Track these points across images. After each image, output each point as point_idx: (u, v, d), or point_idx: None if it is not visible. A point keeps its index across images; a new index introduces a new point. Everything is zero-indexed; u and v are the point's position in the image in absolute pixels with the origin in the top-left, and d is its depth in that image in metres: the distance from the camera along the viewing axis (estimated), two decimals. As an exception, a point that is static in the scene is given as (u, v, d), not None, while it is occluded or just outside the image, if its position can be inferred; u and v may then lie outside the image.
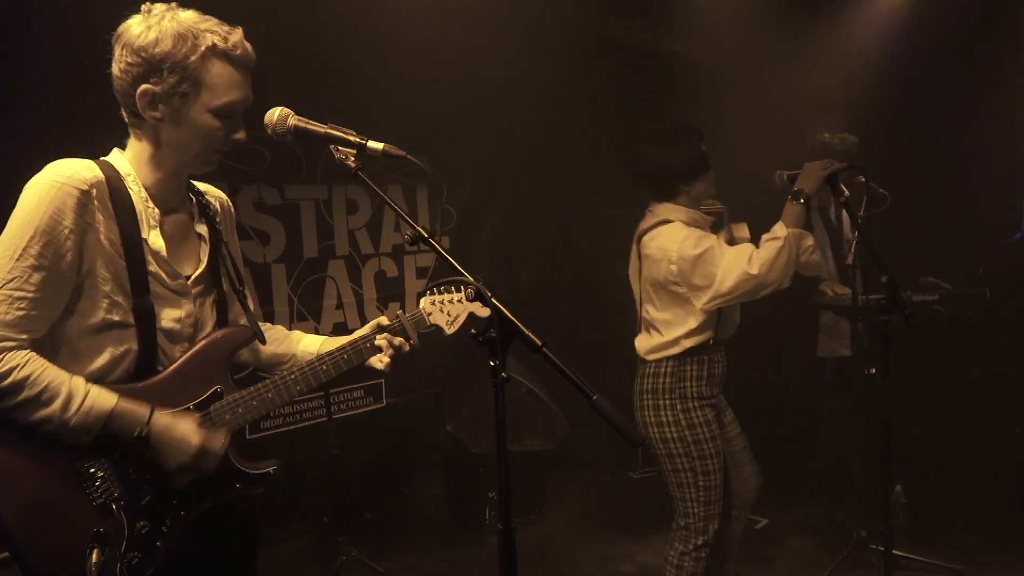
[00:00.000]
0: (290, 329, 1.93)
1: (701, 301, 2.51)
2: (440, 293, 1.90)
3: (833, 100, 4.91)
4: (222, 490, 1.61)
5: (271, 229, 3.99)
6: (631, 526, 4.01)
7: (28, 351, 1.42)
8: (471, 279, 1.34)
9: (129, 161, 1.56)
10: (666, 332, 2.66)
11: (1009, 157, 4.33)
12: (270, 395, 1.65)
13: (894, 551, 3.55)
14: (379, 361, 1.83)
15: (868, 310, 2.43)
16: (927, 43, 4.64)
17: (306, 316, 4.09)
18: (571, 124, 4.98)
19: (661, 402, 2.65)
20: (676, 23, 4.76)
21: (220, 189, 4.01)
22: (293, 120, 1.51)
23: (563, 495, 4.57)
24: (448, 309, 1.89)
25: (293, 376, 1.68)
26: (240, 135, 1.58)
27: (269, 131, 1.52)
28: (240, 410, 1.61)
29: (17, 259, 1.39)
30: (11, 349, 1.40)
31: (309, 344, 1.84)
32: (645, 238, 2.65)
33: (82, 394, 1.43)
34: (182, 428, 1.51)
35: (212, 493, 1.60)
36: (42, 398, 1.40)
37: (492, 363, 1.29)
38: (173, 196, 1.62)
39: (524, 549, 4.32)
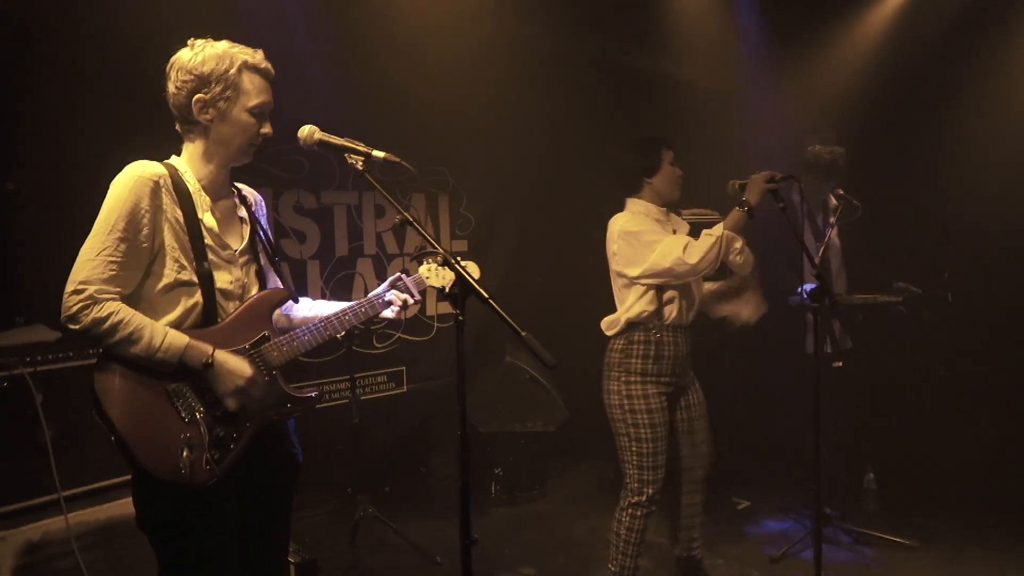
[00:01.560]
0: None
1: (634, 272, 2.97)
2: (434, 262, 2.37)
3: (827, 118, 5.32)
4: (277, 408, 2.08)
5: (307, 229, 4.54)
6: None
7: (120, 302, 1.89)
8: (440, 249, 1.80)
9: (185, 161, 2.06)
10: (617, 310, 3.13)
11: (987, 166, 4.63)
12: (306, 337, 2.12)
13: (859, 528, 3.95)
14: (390, 311, 2.28)
15: (805, 303, 2.81)
16: (911, 59, 4.99)
17: (336, 307, 4.62)
18: (582, 142, 5.45)
19: (611, 374, 3.11)
20: (676, 50, 5.21)
21: (266, 194, 4.57)
22: (318, 135, 2.01)
23: (566, 477, 5.00)
24: (441, 273, 2.35)
25: (322, 323, 2.16)
26: (267, 130, 2.06)
27: (301, 143, 2.01)
28: (285, 348, 2.09)
29: (109, 233, 1.86)
30: (109, 299, 1.87)
31: (323, 307, 2.31)
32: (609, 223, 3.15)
33: (161, 334, 1.88)
34: (237, 361, 1.97)
35: (271, 409, 2.07)
36: (132, 336, 1.84)
37: (456, 311, 1.74)
38: (220, 187, 2.10)
39: (524, 519, 4.83)
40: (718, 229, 2.89)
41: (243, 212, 2.18)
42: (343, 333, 2.19)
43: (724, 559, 3.76)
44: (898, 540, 3.83)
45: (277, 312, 2.29)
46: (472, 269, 2.44)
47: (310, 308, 2.33)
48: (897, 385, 4.25)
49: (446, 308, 5.29)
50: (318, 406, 4.40)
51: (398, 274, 2.32)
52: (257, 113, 2.03)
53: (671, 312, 3.05)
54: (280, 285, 2.22)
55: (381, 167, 2.00)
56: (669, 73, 5.43)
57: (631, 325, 3.06)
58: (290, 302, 2.29)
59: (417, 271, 2.33)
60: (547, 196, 5.64)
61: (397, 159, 1.97)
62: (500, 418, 4.61)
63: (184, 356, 1.91)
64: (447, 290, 1.80)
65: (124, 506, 2.96)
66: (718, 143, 4.95)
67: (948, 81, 4.85)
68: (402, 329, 4.95)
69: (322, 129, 2.03)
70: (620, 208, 3.19)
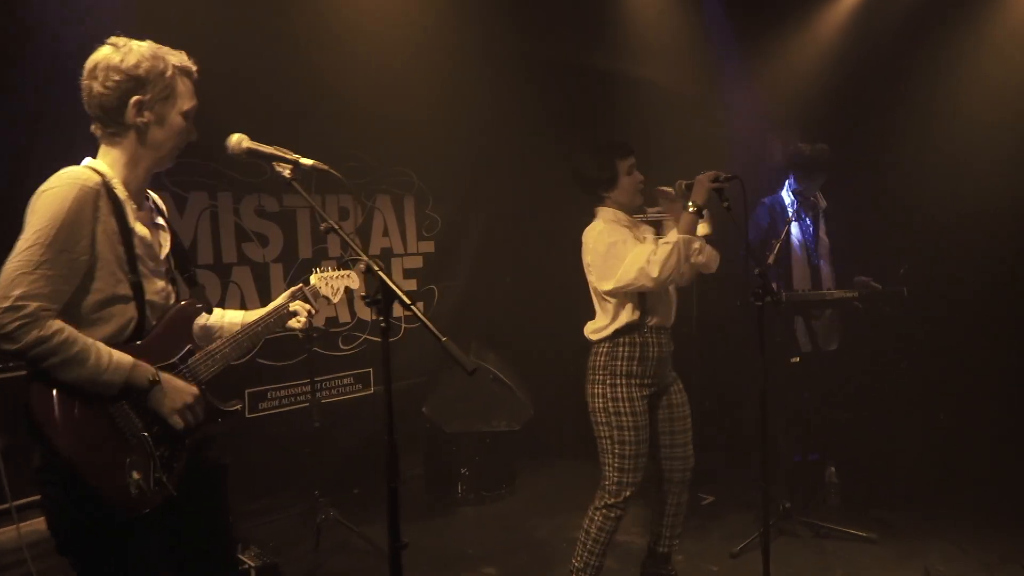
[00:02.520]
0: None
1: (605, 287, 2.98)
2: (326, 271, 2.39)
3: (789, 115, 5.37)
4: (209, 423, 2.06)
5: (269, 232, 4.53)
6: (588, 502, 4.43)
7: (61, 321, 1.77)
8: (365, 257, 1.80)
9: (108, 166, 1.93)
10: (600, 316, 3.13)
11: (948, 159, 4.69)
12: (228, 350, 2.11)
13: (818, 522, 3.98)
14: (296, 322, 2.28)
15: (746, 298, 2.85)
16: (869, 55, 5.05)
17: (301, 310, 4.61)
18: (550, 141, 5.46)
19: (595, 377, 3.10)
20: (638, 50, 5.24)
21: (227, 197, 4.54)
22: (246, 143, 1.99)
23: (534, 477, 5.01)
24: (332, 283, 2.35)
25: (239, 337, 2.15)
26: (194, 137, 2.03)
27: (228, 151, 2.00)
28: (210, 362, 2.07)
29: (48, 245, 1.75)
30: (51, 316, 1.75)
31: (232, 316, 2.30)
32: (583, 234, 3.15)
33: (107, 354, 1.80)
34: (182, 379, 1.96)
35: (203, 424, 2.03)
36: (78, 357, 1.76)
37: (380, 319, 1.75)
38: (141, 193, 2.05)
39: (489, 518, 4.85)
40: (673, 235, 2.91)
41: (160, 219, 2.13)
42: (257, 345, 2.19)
43: (685, 555, 3.78)
44: (858, 533, 3.87)
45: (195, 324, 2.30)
46: (353, 278, 2.46)
47: (221, 317, 2.31)
48: (857, 380, 4.29)
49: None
50: (283, 409, 4.52)
51: (300, 284, 2.31)
52: (188, 117, 2.01)
53: (654, 316, 3.07)
54: (189, 294, 2.20)
55: (311, 175, 1.99)
56: (632, 73, 5.45)
57: (617, 332, 3.06)
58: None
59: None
60: (516, 196, 5.66)
61: (325, 167, 1.96)
62: (465, 418, 4.62)
63: (130, 376, 1.86)
64: (369, 299, 1.80)
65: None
66: (680, 142, 4.98)
67: (904, 76, 4.91)
68: (368, 331, 4.96)
69: (252, 137, 2.02)
70: (588, 210, 3.18)
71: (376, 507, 4.53)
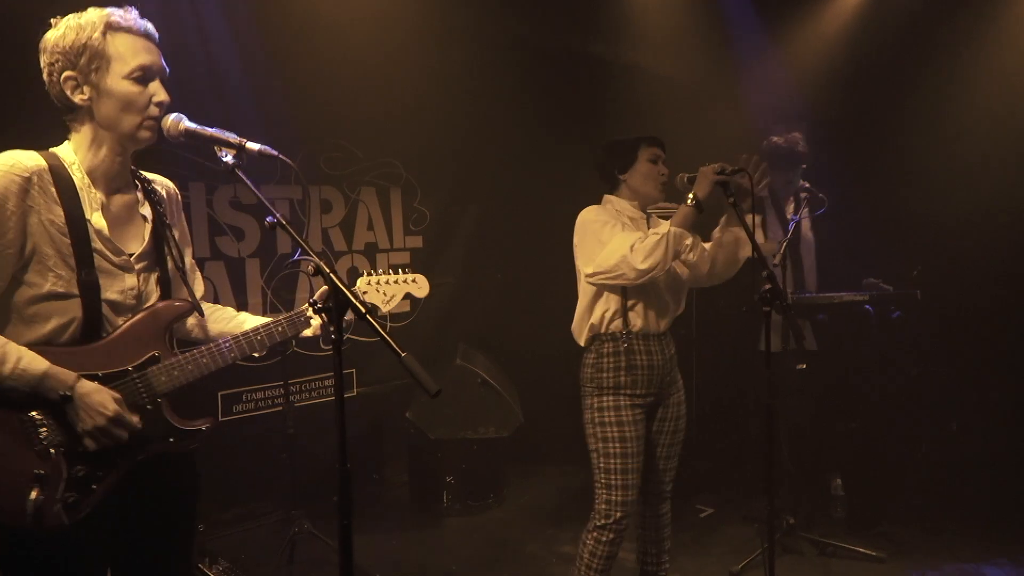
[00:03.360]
0: None
1: (587, 271, 2.72)
2: (379, 274, 2.13)
3: (795, 108, 5.11)
4: (157, 443, 1.81)
5: (245, 226, 4.28)
6: (582, 516, 4.19)
7: None
8: (315, 258, 1.55)
9: (72, 151, 1.76)
10: (579, 305, 2.89)
11: (958, 159, 4.45)
12: (204, 360, 1.84)
13: (824, 539, 3.76)
14: (310, 329, 2.04)
15: (755, 303, 2.59)
16: (881, 48, 4.81)
17: (279, 308, 4.37)
18: (542, 133, 5.22)
19: (584, 389, 2.86)
20: (635, 36, 4.99)
21: (199, 188, 4.30)
22: (184, 124, 1.74)
23: (524, 485, 4.79)
24: (385, 289, 2.10)
25: (228, 344, 1.88)
26: (162, 97, 1.77)
27: (165, 134, 1.75)
28: (176, 372, 1.81)
29: None
30: None
31: (252, 322, 2.05)
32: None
33: (14, 357, 1.62)
34: (102, 396, 1.70)
35: (147, 444, 1.79)
36: None
37: (331, 328, 1.51)
38: (116, 179, 1.82)
39: (475, 529, 4.60)
40: (664, 227, 2.66)
41: (145, 210, 1.89)
42: (252, 355, 1.93)
43: (681, 573, 3.55)
44: (866, 552, 3.64)
45: (191, 322, 2.05)
46: (422, 284, 2.22)
47: (228, 321, 2.07)
48: (865, 387, 4.05)
49: (401, 307, 5.06)
50: (258, 413, 4.28)
51: (324, 288, 2.05)
52: (139, 78, 1.74)
53: (637, 319, 2.80)
54: (187, 296, 1.95)
55: (259, 161, 1.74)
56: (632, 62, 5.20)
57: (597, 335, 2.82)
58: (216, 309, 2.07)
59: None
60: (508, 190, 5.41)
61: (274, 152, 1.73)
62: (450, 424, 4.37)
63: (40, 385, 1.65)
64: (319, 304, 1.56)
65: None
66: (682, 134, 4.73)
67: (917, 71, 4.67)
68: (351, 329, 4.70)
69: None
70: (587, 205, 2.94)
71: (356, 517, 4.30)
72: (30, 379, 1.64)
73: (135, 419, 1.75)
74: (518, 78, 4.98)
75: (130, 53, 1.74)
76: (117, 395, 1.73)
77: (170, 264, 1.92)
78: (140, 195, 1.90)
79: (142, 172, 1.93)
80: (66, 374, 1.68)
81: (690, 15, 4.93)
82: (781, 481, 3.91)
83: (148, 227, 1.88)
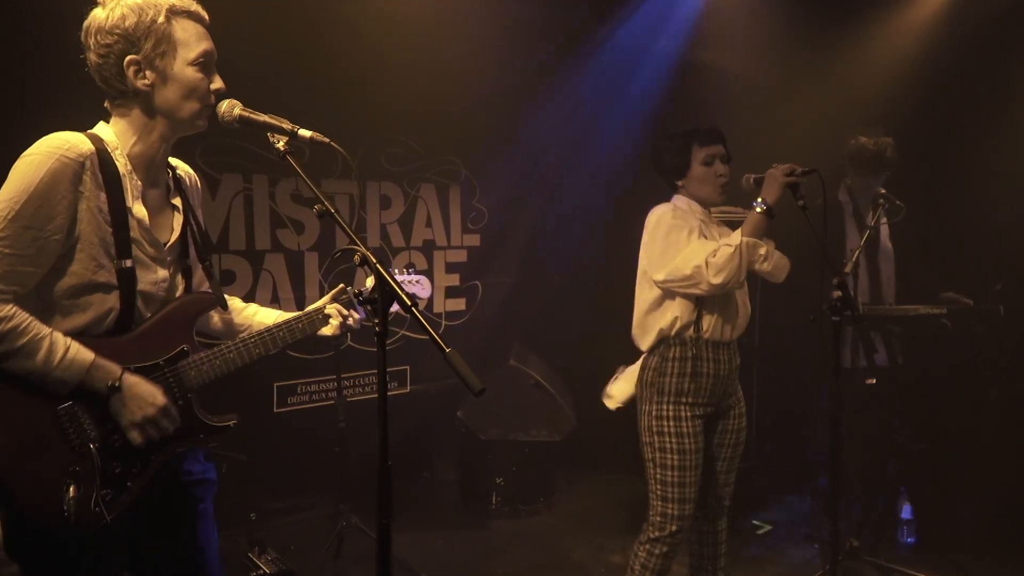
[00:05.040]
0: None
1: (658, 276, 2.61)
2: (396, 273, 2.08)
3: (872, 111, 4.89)
4: (187, 439, 1.80)
5: (306, 220, 4.31)
6: (632, 523, 4.09)
7: (14, 305, 1.57)
8: (362, 247, 1.51)
9: (116, 135, 1.71)
10: (641, 304, 2.77)
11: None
12: (232, 355, 1.82)
13: (890, 565, 3.56)
14: (329, 328, 1.98)
15: (822, 312, 2.46)
16: (964, 50, 4.56)
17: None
18: (605, 131, 5.13)
19: (643, 394, 2.76)
20: (711, 38, 4.85)
21: (260, 181, 4.35)
22: (238, 110, 1.71)
23: (575, 491, 4.69)
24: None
25: (253, 340, 1.86)
26: (218, 84, 1.75)
27: (219, 119, 1.73)
28: (204, 368, 1.80)
29: (11, 220, 1.54)
30: (6, 300, 1.56)
31: (265, 316, 2.04)
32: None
33: (62, 347, 1.59)
34: (151, 387, 1.69)
35: (178, 441, 1.77)
36: (26, 348, 1.56)
37: (375, 323, 1.46)
38: (156, 168, 1.79)
39: (522, 533, 4.53)
40: (736, 237, 2.54)
41: (176, 200, 1.86)
42: (274, 352, 1.89)
43: (736, 592, 3.41)
44: (934, 581, 3.44)
45: (214, 315, 2.03)
46: (425, 285, 2.17)
47: (243, 311, 2.05)
48: (939, 405, 3.83)
49: (456, 305, 5.03)
50: (312, 406, 4.30)
51: (342, 285, 2.01)
52: (203, 65, 1.71)
53: (710, 325, 2.67)
54: (207, 287, 1.93)
55: (312, 147, 1.71)
56: (699, 60, 5.06)
57: (664, 339, 2.71)
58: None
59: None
60: (568, 189, 5.33)
61: (326, 139, 1.68)
62: (502, 425, 4.31)
63: (87, 378, 1.62)
64: (363, 295, 1.51)
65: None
66: (753, 136, 4.57)
67: (1003, 74, 4.39)
68: (406, 326, 4.70)
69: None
70: (650, 205, 2.81)
71: (404, 515, 4.28)
72: (78, 369, 1.61)
73: (179, 404, 1.74)
74: (582, 77, 4.90)
75: (194, 39, 1.71)
76: (160, 387, 1.72)
77: (192, 254, 1.89)
78: (171, 184, 1.87)
79: (171, 160, 1.90)
80: (112, 365, 1.66)
81: (762, 14, 4.77)
82: (846, 500, 3.72)
83: (179, 217, 1.85)
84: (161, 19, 1.67)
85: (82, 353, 1.62)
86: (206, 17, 1.76)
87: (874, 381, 3.58)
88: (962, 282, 3.82)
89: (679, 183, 2.77)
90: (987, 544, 3.76)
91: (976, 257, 4.19)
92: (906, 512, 3.92)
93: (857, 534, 3.63)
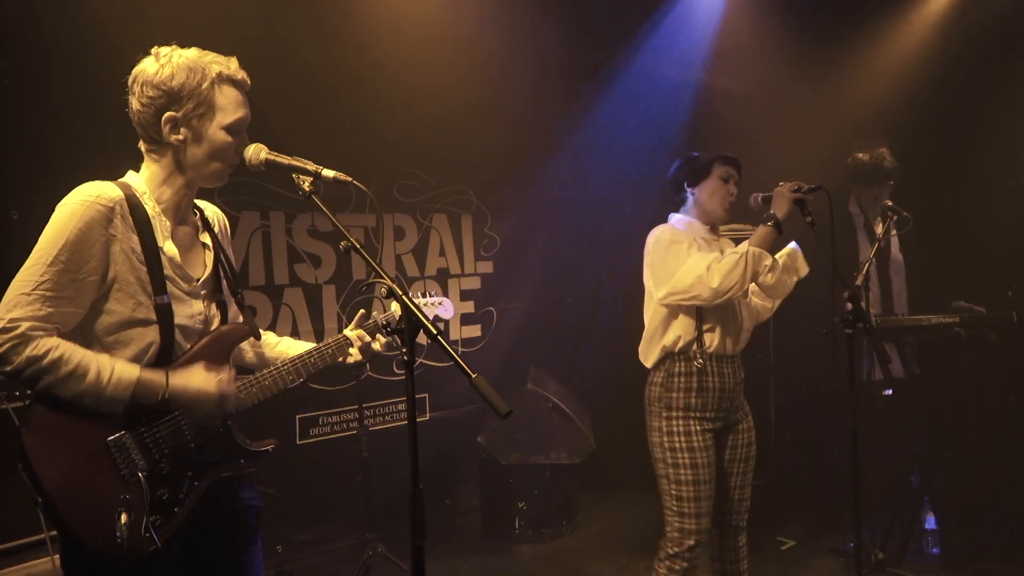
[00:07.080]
0: None
1: (660, 293, 2.67)
2: (418, 297, 2.15)
3: (878, 124, 4.95)
4: (229, 464, 1.88)
5: (323, 253, 4.40)
6: (656, 542, 4.10)
7: (58, 338, 1.66)
8: (389, 280, 1.59)
9: (145, 181, 1.81)
10: (649, 327, 2.82)
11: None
12: (267, 382, 1.92)
13: (915, 576, 3.55)
14: (350, 355, 2.06)
15: (834, 323, 2.50)
16: (965, 60, 4.62)
17: (354, 333, 4.46)
18: (612, 157, 5.21)
19: (651, 409, 2.80)
20: (708, 56, 4.94)
21: (279, 216, 4.44)
22: (264, 154, 1.81)
23: (597, 512, 4.71)
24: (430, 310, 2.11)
25: (286, 367, 1.95)
26: (245, 146, 1.84)
27: (247, 164, 1.82)
28: (243, 394, 1.88)
29: (50, 264, 1.64)
30: (46, 335, 1.67)
31: (297, 349, 2.11)
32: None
33: (109, 366, 1.67)
34: (197, 380, 1.77)
35: (221, 465, 1.86)
36: (76, 373, 1.63)
37: (403, 351, 1.52)
38: (183, 210, 1.89)
39: (547, 556, 4.54)
40: (743, 246, 2.60)
41: (205, 237, 1.97)
42: (306, 378, 1.97)
43: (763, 608, 3.42)
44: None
45: (247, 347, 2.12)
46: (448, 307, 2.25)
47: (276, 346, 2.14)
48: (961, 415, 3.83)
49: (472, 332, 5.09)
50: (334, 436, 4.36)
51: (362, 311, 2.10)
52: (235, 131, 1.82)
53: (712, 340, 2.73)
54: (240, 319, 2.02)
55: (335, 188, 1.79)
56: (702, 80, 5.15)
57: (669, 355, 2.76)
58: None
59: (390, 308, 2.07)
60: (577, 215, 5.41)
61: (348, 179, 1.77)
62: (522, 449, 4.35)
63: (136, 389, 1.70)
64: (391, 326, 1.58)
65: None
66: (760, 156, 4.64)
67: (1007, 82, 4.45)
68: (424, 354, 4.76)
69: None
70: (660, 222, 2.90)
71: (431, 540, 4.28)
72: (127, 385, 1.68)
73: (229, 379, 1.83)
74: (590, 105, 5.00)
75: (232, 106, 1.80)
76: (204, 364, 1.82)
77: (225, 289, 1.98)
78: (199, 223, 1.97)
79: (196, 202, 1.99)
80: (156, 373, 1.74)
81: (761, 29, 4.86)
82: (869, 513, 3.72)
83: (210, 254, 1.95)
84: (207, 84, 1.77)
85: (128, 369, 1.70)
86: (249, 84, 1.86)
87: (891, 392, 3.59)
88: (974, 290, 3.85)
89: (691, 189, 2.84)
90: (1012, 553, 3.76)
91: (987, 265, 4.21)
92: (930, 523, 3.92)
93: (882, 546, 3.63)
